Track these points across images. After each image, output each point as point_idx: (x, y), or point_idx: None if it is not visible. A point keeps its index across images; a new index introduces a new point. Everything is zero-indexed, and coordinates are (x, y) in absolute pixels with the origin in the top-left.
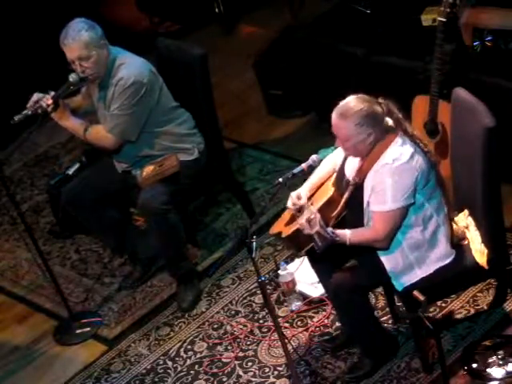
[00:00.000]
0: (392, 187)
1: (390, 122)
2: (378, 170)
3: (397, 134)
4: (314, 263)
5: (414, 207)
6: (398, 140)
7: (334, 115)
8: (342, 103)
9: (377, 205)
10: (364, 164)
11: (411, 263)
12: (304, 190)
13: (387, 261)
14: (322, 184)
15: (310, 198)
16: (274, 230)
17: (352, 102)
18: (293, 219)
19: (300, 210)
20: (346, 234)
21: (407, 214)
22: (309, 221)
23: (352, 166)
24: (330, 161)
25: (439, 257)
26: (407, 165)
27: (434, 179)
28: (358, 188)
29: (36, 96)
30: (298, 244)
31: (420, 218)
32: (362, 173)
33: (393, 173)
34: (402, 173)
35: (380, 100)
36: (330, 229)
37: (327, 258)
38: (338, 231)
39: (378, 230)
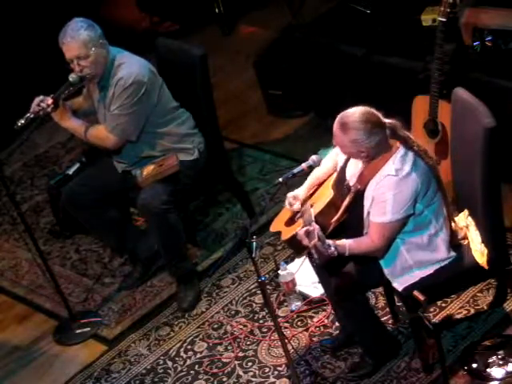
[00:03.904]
0: (393, 199)
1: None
2: (379, 181)
3: (400, 144)
4: (314, 265)
5: (413, 215)
6: (400, 149)
7: (336, 123)
8: (347, 113)
9: (376, 216)
10: (366, 171)
11: (410, 266)
12: (302, 191)
13: (386, 265)
14: (323, 182)
15: (310, 196)
16: (275, 227)
17: (356, 116)
18: (293, 218)
19: (299, 212)
20: (346, 246)
21: (406, 224)
22: (307, 233)
23: (353, 169)
24: (332, 159)
25: (438, 260)
26: (409, 176)
27: (433, 185)
28: (359, 195)
29: (38, 99)
30: (296, 248)
31: (418, 224)
32: (363, 180)
33: (394, 185)
34: (404, 185)
35: (387, 121)
36: (329, 241)
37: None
38: (339, 242)
39: (375, 240)
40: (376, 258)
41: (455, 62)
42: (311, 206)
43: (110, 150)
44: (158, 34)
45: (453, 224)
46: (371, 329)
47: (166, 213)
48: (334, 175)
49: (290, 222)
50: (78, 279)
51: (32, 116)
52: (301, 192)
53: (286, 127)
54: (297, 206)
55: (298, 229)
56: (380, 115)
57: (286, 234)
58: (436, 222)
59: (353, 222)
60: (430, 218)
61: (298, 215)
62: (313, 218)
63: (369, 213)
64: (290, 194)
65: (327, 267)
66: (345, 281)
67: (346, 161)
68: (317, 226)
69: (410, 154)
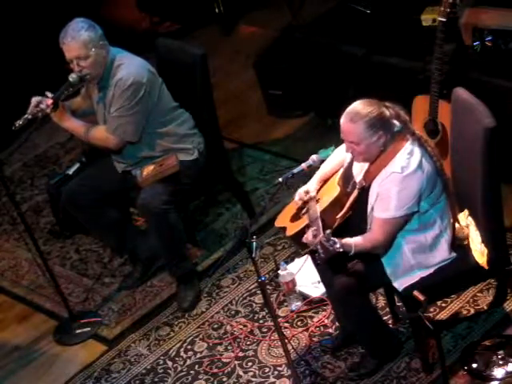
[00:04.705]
0: (397, 195)
1: (398, 124)
2: (385, 178)
3: (406, 139)
4: (317, 263)
5: (418, 214)
6: (407, 147)
7: (343, 120)
8: (350, 108)
9: (380, 211)
10: (372, 168)
11: (412, 266)
12: (312, 185)
13: (388, 264)
14: (329, 178)
15: (317, 192)
16: (279, 222)
17: (360, 105)
18: (297, 214)
19: (306, 205)
20: (352, 244)
21: (410, 221)
22: (314, 235)
23: (360, 166)
24: (338, 155)
25: (439, 260)
26: (415, 174)
27: (439, 185)
28: (364, 191)
29: (35, 100)
30: (300, 244)
31: (423, 223)
32: (369, 176)
33: (400, 181)
34: (409, 182)
35: (387, 104)
36: (334, 239)
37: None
38: (344, 241)
39: (377, 236)
40: (378, 258)
41: (455, 62)
42: (317, 201)
43: (110, 150)
44: (158, 34)
45: (457, 225)
46: (372, 328)
47: (166, 213)
48: (340, 171)
49: (295, 217)
50: (78, 279)
51: (30, 117)
52: (311, 186)
53: (286, 127)
54: (313, 193)
55: (303, 225)
56: (383, 104)
57: (291, 229)
58: (441, 222)
59: (357, 218)
60: (435, 217)
61: (303, 211)
62: (318, 214)
63: (373, 209)
64: (302, 189)
65: (331, 266)
66: (348, 282)
67: (353, 158)
68: (322, 232)
69: (417, 152)
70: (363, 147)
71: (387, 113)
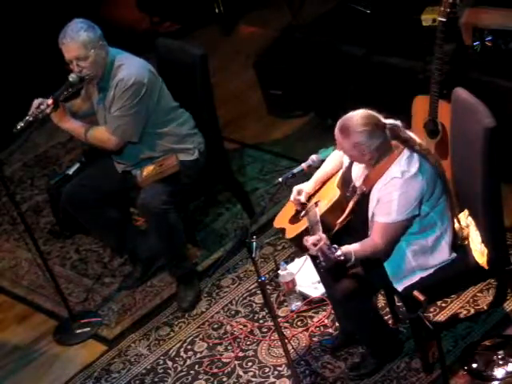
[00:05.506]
0: (398, 200)
1: (394, 142)
2: (386, 183)
3: (404, 146)
4: (318, 265)
5: (419, 217)
6: (405, 152)
7: (337, 128)
8: (347, 117)
9: (381, 216)
10: (372, 173)
11: (413, 268)
12: (309, 185)
13: (390, 267)
14: (328, 179)
15: (314, 194)
16: (278, 223)
17: (356, 120)
18: (297, 216)
19: (304, 209)
20: (351, 251)
21: (411, 225)
22: (314, 244)
23: (359, 169)
24: (338, 156)
25: (440, 262)
26: (415, 178)
27: (439, 188)
28: (365, 197)
29: (37, 102)
30: (300, 246)
31: (424, 226)
32: (369, 182)
33: (401, 186)
34: (410, 186)
35: (388, 122)
36: (335, 246)
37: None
38: (344, 249)
39: (377, 240)
40: (380, 262)
41: (455, 62)
42: (316, 204)
43: (110, 151)
44: (158, 34)
45: (457, 225)
46: (373, 328)
47: (166, 213)
48: (339, 174)
49: (294, 219)
50: (78, 279)
51: (31, 119)
52: (307, 186)
53: (285, 127)
54: (302, 198)
55: (303, 227)
56: (380, 117)
57: (291, 232)
58: (441, 223)
59: (357, 223)
60: (436, 219)
61: (303, 213)
62: (318, 218)
63: (373, 214)
64: (296, 188)
65: (333, 272)
66: (350, 288)
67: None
68: (324, 237)
69: (416, 156)
70: (350, 154)
71: (382, 134)
